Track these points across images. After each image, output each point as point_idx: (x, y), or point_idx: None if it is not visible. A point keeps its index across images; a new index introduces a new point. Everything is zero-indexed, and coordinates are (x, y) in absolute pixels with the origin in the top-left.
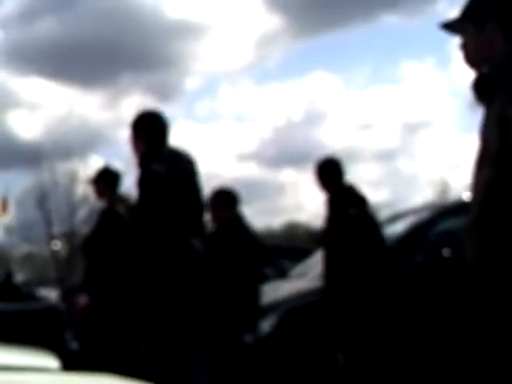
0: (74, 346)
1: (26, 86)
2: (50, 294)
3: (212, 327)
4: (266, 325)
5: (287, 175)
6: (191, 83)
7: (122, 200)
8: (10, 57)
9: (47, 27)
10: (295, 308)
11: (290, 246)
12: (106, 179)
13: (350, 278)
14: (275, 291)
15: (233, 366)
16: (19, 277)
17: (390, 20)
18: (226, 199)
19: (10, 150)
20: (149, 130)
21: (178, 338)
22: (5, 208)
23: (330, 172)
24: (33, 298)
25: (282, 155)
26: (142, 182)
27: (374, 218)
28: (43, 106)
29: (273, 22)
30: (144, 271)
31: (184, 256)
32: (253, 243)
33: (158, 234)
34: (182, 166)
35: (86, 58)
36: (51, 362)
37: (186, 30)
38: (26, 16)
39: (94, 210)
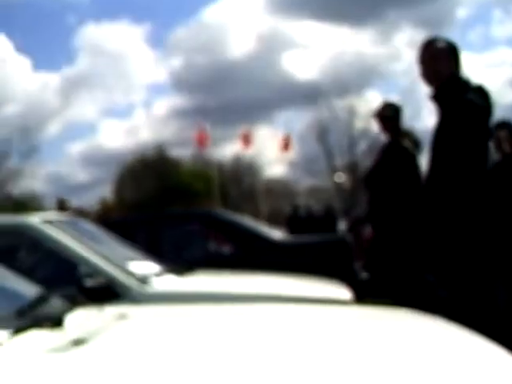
0: (363, 276)
1: (300, 29)
2: (338, 225)
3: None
4: None
5: None
6: (462, 12)
7: (407, 134)
8: (282, 2)
9: None
10: None
11: None
12: (389, 113)
13: None
14: None
15: None
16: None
17: None
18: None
19: (290, 90)
20: (452, 54)
21: (469, 266)
22: (288, 144)
23: None
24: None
25: None
26: (458, 111)
27: None
28: (318, 46)
29: None
30: (436, 203)
31: (478, 189)
32: None
33: (460, 166)
34: (487, 100)
35: None
36: (344, 293)
37: None
38: None
39: (374, 143)
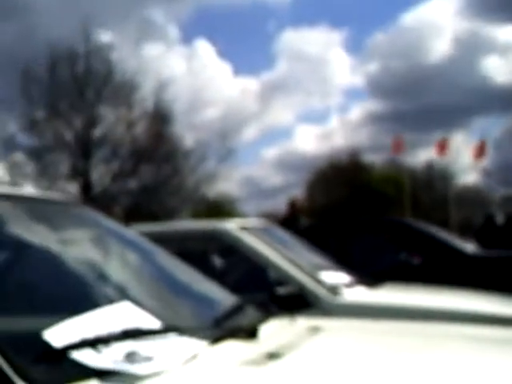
0: None
1: (500, 32)
2: None
3: None
4: None
5: None
6: None
7: None
8: (481, 6)
9: None
10: None
11: None
12: None
13: None
14: None
15: None
16: (500, 219)
17: None
18: None
19: (488, 95)
20: None
21: None
22: (483, 151)
23: None
24: None
25: None
26: None
27: None
28: None
29: None
30: None
31: None
32: None
33: None
34: None
35: None
36: None
37: None
38: None
39: None
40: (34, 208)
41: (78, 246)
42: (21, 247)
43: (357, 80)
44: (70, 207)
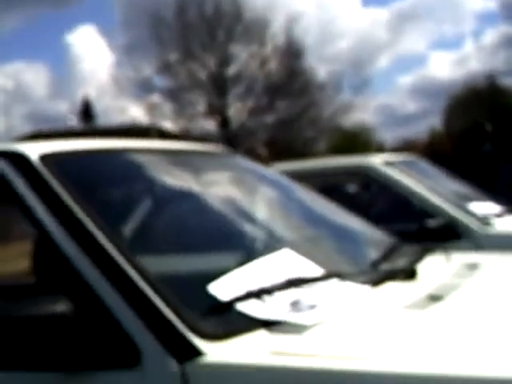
0: None
1: None
2: None
3: None
4: None
5: None
6: None
7: None
8: None
9: None
10: None
11: None
12: None
13: None
14: None
15: None
16: None
17: None
18: None
19: None
20: None
21: None
22: None
23: None
24: None
25: None
26: None
27: None
28: None
29: None
30: None
31: None
32: None
33: None
34: None
35: None
36: None
37: None
38: None
39: None
40: (184, 159)
41: (230, 191)
42: (177, 195)
43: (489, 3)
44: (220, 156)
